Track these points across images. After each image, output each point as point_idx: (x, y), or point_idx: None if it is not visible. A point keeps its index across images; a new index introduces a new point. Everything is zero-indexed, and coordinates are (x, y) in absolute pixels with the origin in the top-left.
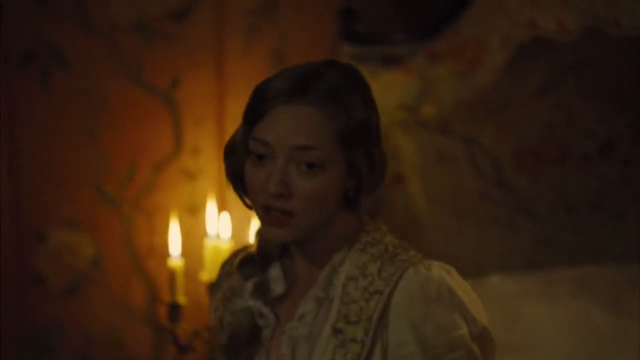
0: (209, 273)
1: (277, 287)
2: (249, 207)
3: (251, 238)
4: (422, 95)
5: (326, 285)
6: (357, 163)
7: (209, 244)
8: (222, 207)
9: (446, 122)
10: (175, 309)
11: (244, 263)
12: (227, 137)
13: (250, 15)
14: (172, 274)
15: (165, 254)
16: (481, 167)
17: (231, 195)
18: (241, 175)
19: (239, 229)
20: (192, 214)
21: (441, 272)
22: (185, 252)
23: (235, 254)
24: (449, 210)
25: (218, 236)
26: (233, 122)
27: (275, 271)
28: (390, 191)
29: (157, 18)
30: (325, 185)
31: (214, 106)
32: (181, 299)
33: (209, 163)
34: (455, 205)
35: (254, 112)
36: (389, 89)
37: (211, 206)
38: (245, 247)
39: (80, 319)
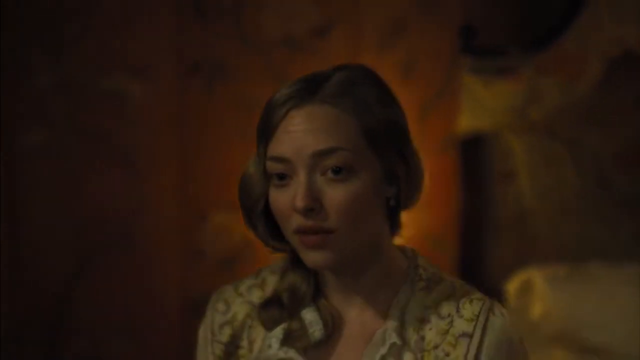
0: None
1: (316, 333)
2: (280, 250)
3: None
4: (530, 102)
5: (399, 329)
6: (391, 166)
7: None
8: None
9: (552, 126)
10: None
11: (267, 307)
12: None
13: (381, 33)
14: None
15: None
16: (584, 166)
17: None
18: (264, 212)
19: None
20: None
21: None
22: None
23: (222, 292)
24: (555, 205)
25: None
26: None
27: (310, 314)
28: (502, 187)
29: (302, 34)
30: (359, 191)
31: None
32: None
33: None
34: (560, 201)
35: (265, 130)
36: (500, 96)
37: None
38: (237, 284)
39: None
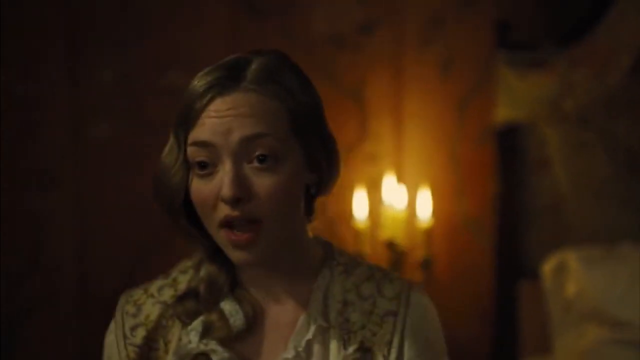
0: (386, 232)
1: (237, 323)
2: (200, 242)
3: (421, 207)
4: (563, 93)
5: (323, 312)
6: (314, 152)
7: (386, 210)
8: (399, 180)
9: (584, 116)
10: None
11: (182, 300)
12: (403, 128)
13: (422, 30)
14: (357, 233)
15: (350, 220)
16: (615, 154)
17: (406, 170)
18: (183, 205)
19: (411, 198)
20: (373, 187)
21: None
22: (366, 217)
23: (131, 295)
24: (587, 191)
25: (393, 205)
26: (409, 116)
27: (229, 305)
28: (537, 175)
29: (348, 31)
30: (287, 179)
31: (393, 102)
32: (366, 250)
33: (388, 147)
34: (592, 187)
35: (186, 117)
36: (535, 88)
37: (389, 180)
38: (145, 286)
39: None
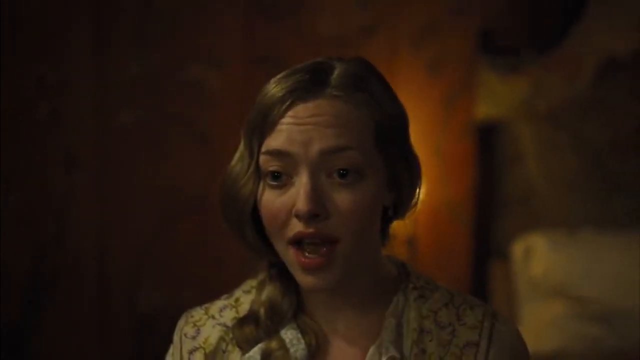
0: None
1: (298, 353)
2: (266, 258)
3: None
4: (537, 95)
5: (396, 341)
6: (397, 169)
7: None
8: None
9: (555, 116)
10: None
11: (242, 325)
12: None
13: (415, 35)
14: None
15: None
16: (583, 151)
17: None
18: (251, 218)
19: None
20: None
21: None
22: None
23: (191, 315)
24: (555, 183)
25: None
26: (403, 103)
27: (291, 333)
28: (512, 168)
29: (351, 33)
30: (368, 197)
31: None
32: None
33: None
34: (561, 180)
35: (261, 123)
36: (512, 90)
37: None
38: (207, 306)
39: None
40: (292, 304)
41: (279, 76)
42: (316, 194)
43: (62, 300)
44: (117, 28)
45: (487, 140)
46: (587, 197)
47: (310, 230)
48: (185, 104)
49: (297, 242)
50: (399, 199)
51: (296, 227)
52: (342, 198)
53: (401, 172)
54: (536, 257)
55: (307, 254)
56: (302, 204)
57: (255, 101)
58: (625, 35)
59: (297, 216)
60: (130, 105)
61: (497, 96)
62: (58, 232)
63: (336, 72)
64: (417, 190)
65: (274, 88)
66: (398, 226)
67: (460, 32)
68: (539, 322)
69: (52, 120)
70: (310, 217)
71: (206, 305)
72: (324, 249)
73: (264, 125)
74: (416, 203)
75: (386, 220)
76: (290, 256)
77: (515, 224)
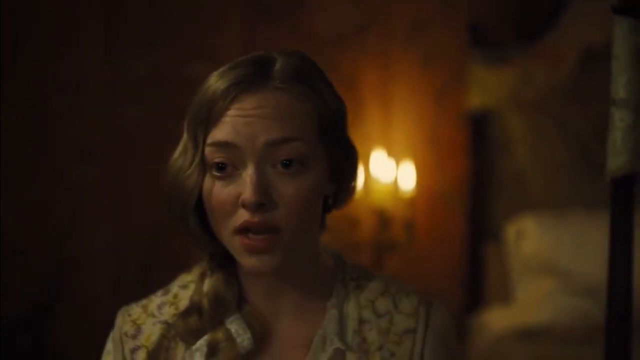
0: (376, 200)
1: (245, 343)
2: (208, 248)
3: (405, 179)
4: (524, 85)
5: (339, 331)
6: (338, 160)
7: (376, 181)
8: (388, 156)
9: (542, 104)
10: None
11: (184, 317)
12: (391, 113)
13: (407, 29)
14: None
15: None
16: (568, 137)
17: (393, 148)
18: (194, 209)
19: (397, 172)
20: (366, 161)
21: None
22: (360, 188)
23: (129, 313)
24: (544, 168)
25: (382, 177)
26: (396, 102)
27: (236, 323)
28: (502, 154)
29: (346, 30)
30: (311, 187)
31: (382, 91)
32: (358, 215)
33: (378, 128)
34: (548, 164)
35: (206, 115)
36: (501, 80)
37: (379, 156)
38: (144, 304)
39: None
40: (235, 294)
41: (221, 69)
42: (262, 184)
43: (78, 286)
44: (125, 29)
45: (479, 129)
46: (574, 180)
47: (256, 219)
48: (190, 99)
49: (244, 230)
50: (339, 189)
51: (242, 216)
52: (286, 187)
53: (342, 162)
54: (527, 237)
55: (251, 236)
56: (249, 194)
57: (197, 93)
58: (601, 27)
59: (244, 206)
60: (139, 101)
61: (486, 87)
62: (74, 221)
63: (278, 65)
64: (355, 180)
65: (218, 81)
66: (396, 210)
67: (450, 26)
68: (531, 299)
69: (67, 115)
70: (256, 207)
71: (143, 302)
72: (268, 236)
73: (209, 117)
74: (353, 193)
75: (324, 210)
76: (235, 243)
77: (507, 207)
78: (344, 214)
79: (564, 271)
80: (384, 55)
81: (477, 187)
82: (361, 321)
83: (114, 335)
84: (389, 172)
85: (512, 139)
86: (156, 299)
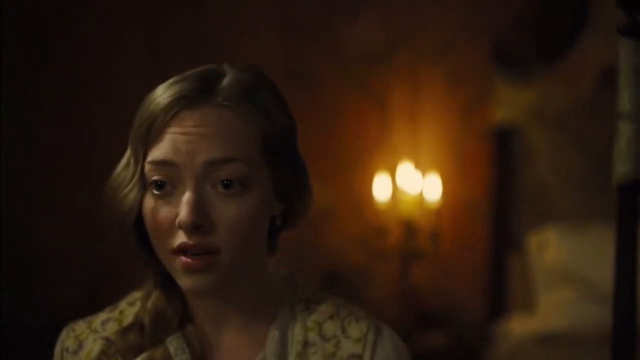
0: (402, 210)
1: None
2: (149, 267)
3: (431, 191)
4: (545, 101)
5: (280, 354)
6: (284, 180)
7: (403, 193)
8: (415, 168)
9: (561, 120)
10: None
11: (125, 333)
12: (418, 127)
13: (435, 49)
14: (378, 212)
15: (372, 200)
16: (586, 151)
17: (420, 161)
18: (137, 224)
19: (424, 184)
20: (394, 173)
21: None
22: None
23: (73, 329)
24: (565, 180)
25: (409, 188)
26: (423, 117)
27: (176, 342)
28: (525, 167)
29: (377, 50)
30: (252, 208)
31: (410, 106)
32: (386, 225)
33: (406, 142)
34: (568, 177)
35: (146, 130)
36: (523, 97)
37: (406, 168)
38: (89, 319)
39: None
40: (177, 312)
41: (166, 83)
42: (200, 205)
43: (117, 292)
44: (166, 43)
45: (502, 143)
46: (593, 193)
47: (193, 241)
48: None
49: (181, 252)
50: (288, 209)
51: (180, 237)
52: (226, 209)
53: (289, 182)
54: (549, 247)
55: (189, 256)
56: (185, 216)
57: (141, 105)
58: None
59: (181, 227)
60: None
61: (509, 103)
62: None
63: (225, 81)
64: (306, 200)
65: (161, 95)
66: (422, 221)
67: (475, 46)
68: (551, 306)
69: (108, 126)
70: (193, 229)
71: (89, 318)
72: (205, 256)
73: (149, 133)
74: (306, 212)
75: (275, 230)
76: (172, 262)
77: (530, 218)
78: (372, 223)
79: (583, 279)
80: (412, 73)
81: (501, 198)
82: (306, 344)
83: (56, 350)
84: (415, 183)
85: (534, 152)
86: (102, 315)
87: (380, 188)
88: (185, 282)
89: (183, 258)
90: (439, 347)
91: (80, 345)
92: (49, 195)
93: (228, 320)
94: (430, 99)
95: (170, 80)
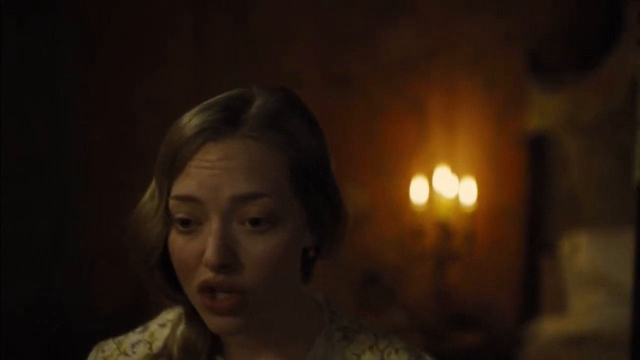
0: (439, 214)
1: None
2: (177, 301)
3: (467, 195)
4: (579, 108)
5: None
6: (317, 210)
7: (440, 196)
8: (451, 173)
9: (594, 127)
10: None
11: None
12: (455, 133)
13: (470, 56)
14: (415, 214)
15: (409, 203)
16: (619, 159)
17: (456, 166)
18: (161, 261)
19: (460, 188)
20: (430, 177)
21: None
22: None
23: (102, 349)
24: (598, 188)
25: (445, 192)
26: (459, 123)
27: None
28: (558, 172)
29: (414, 57)
30: (282, 244)
31: (447, 113)
32: (422, 228)
33: (442, 147)
34: (602, 184)
35: (171, 163)
36: (557, 104)
37: (443, 172)
38: (119, 340)
39: None
40: (206, 345)
41: (192, 111)
42: (226, 244)
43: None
44: (213, 50)
45: (536, 149)
46: (624, 199)
47: (219, 279)
48: None
49: (206, 289)
50: (321, 240)
51: (205, 274)
52: (254, 247)
53: (323, 212)
54: (581, 252)
55: (217, 296)
56: (211, 255)
57: (167, 134)
58: None
59: (207, 266)
60: None
61: (544, 110)
62: None
63: (253, 109)
64: (341, 229)
65: (186, 125)
66: (458, 224)
67: (510, 54)
68: (582, 309)
69: (155, 127)
70: (220, 268)
71: (119, 338)
72: (232, 296)
73: (173, 166)
74: (341, 243)
75: (309, 261)
76: (198, 300)
77: (562, 223)
78: (409, 226)
79: (614, 283)
80: (449, 80)
81: (534, 203)
82: None
83: None
84: (451, 187)
85: (567, 159)
86: (133, 336)
87: (418, 192)
88: (212, 323)
89: (207, 300)
90: (471, 346)
91: None
92: (102, 190)
93: (260, 353)
94: (467, 106)
95: (197, 108)
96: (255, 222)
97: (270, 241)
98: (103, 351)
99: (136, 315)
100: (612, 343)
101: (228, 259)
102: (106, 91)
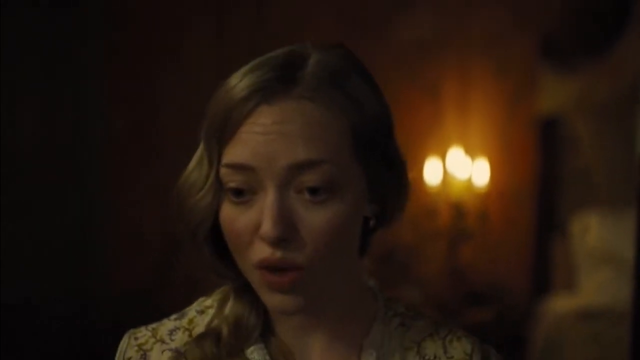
0: (453, 193)
1: None
2: (228, 278)
3: (480, 175)
4: (590, 91)
5: None
6: (379, 179)
7: (453, 177)
8: (465, 154)
9: (605, 110)
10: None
11: (199, 342)
12: (468, 115)
13: (483, 41)
14: (429, 194)
15: (423, 184)
16: (628, 141)
17: (470, 148)
18: (212, 232)
19: (474, 168)
20: (444, 158)
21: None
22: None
23: (135, 337)
24: (608, 169)
25: (459, 173)
26: (473, 106)
27: (258, 354)
28: (569, 153)
29: (427, 40)
30: (344, 216)
31: (461, 96)
32: (436, 207)
33: (456, 129)
34: (611, 165)
35: (221, 127)
36: (569, 87)
37: (457, 153)
38: (154, 327)
39: None
40: (259, 322)
41: (242, 70)
42: (284, 215)
43: (182, 269)
44: (235, 46)
45: (548, 131)
46: (633, 179)
47: (277, 255)
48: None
49: (264, 267)
50: (382, 209)
51: (262, 251)
52: (314, 219)
53: (385, 180)
54: (590, 231)
55: (275, 273)
56: (268, 228)
57: (216, 93)
58: None
59: (263, 239)
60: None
61: (555, 93)
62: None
63: (309, 66)
64: (403, 198)
65: (236, 86)
66: (471, 204)
67: (522, 38)
68: (591, 285)
69: (177, 114)
70: (277, 242)
71: (153, 325)
72: (291, 273)
73: (224, 130)
74: (402, 211)
75: (368, 231)
76: (255, 276)
77: (573, 203)
78: (423, 205)
79: (622, 260)
80: (462, 64)
81: (546, 184)
82: None
83: (116, 359)
84: (465, 168)
85: (578, 140)
86: (169, 323)
87: (432, 172)
88: (270, 301)
89: (266, 274)
90: (484, 323)
91: (144, 356)
92: (123, 174)
93: (315, 336)
94: (480, 89)
95: (247, 67)
96: (314, 191)
97: (330, 212)
98: (136, 338)
99: (148, 300)
100: (621, 319)
101: (286, 233)
102: (127, 85)
